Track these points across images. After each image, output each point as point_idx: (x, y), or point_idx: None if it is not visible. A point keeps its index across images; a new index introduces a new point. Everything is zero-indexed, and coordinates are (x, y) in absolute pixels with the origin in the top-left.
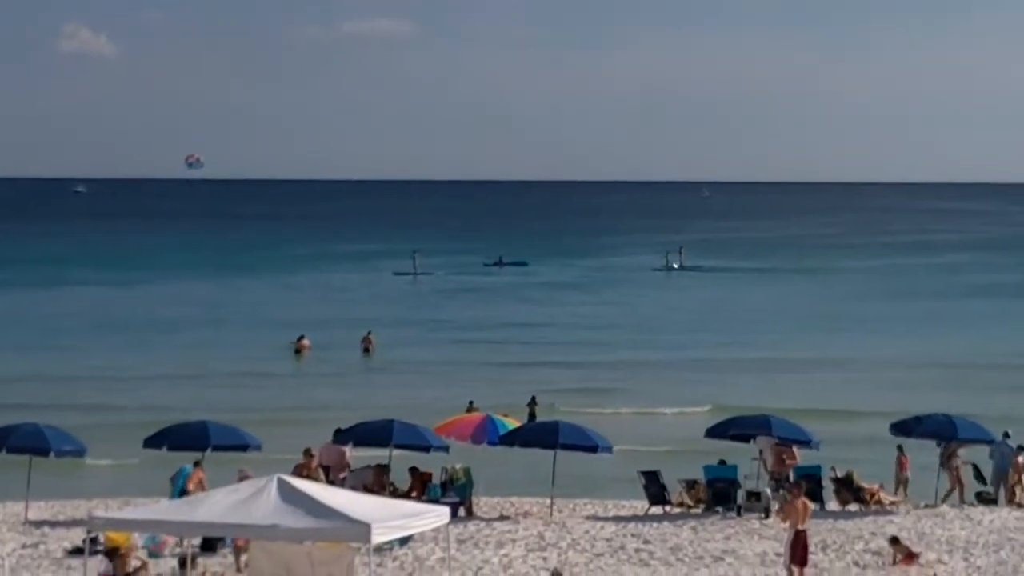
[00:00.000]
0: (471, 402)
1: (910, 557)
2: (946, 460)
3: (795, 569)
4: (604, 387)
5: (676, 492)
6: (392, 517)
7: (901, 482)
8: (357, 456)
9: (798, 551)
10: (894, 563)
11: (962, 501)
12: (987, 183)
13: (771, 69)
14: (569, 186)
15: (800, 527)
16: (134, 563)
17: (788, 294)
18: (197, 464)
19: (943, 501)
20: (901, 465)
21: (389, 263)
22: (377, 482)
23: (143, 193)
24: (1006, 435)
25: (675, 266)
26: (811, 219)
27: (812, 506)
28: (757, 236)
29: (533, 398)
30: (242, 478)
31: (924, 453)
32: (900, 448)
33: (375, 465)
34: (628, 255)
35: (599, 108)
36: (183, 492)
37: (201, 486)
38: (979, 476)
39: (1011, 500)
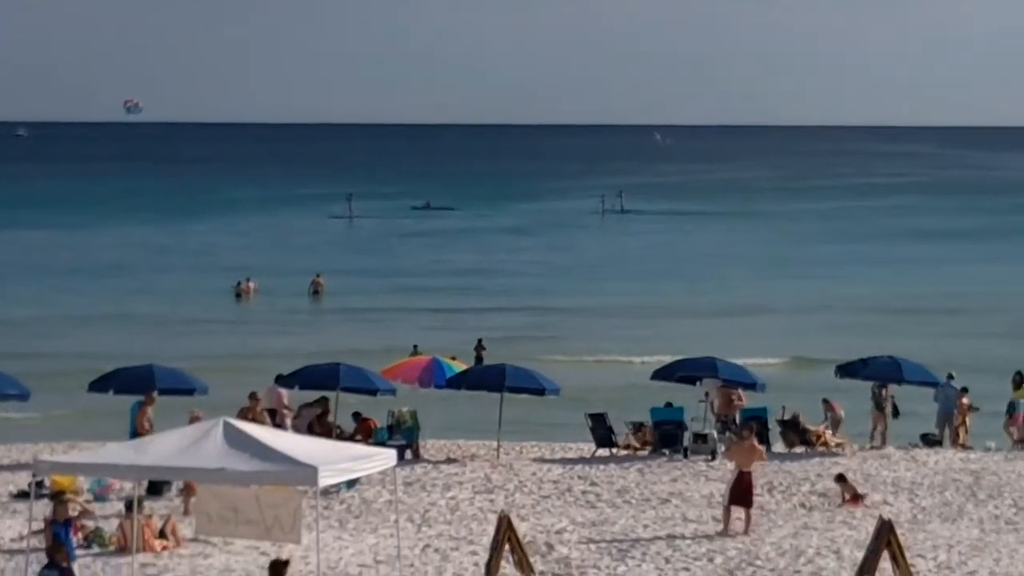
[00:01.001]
0: (415, 346)
1: (856, 498)
2: (879, 401)
3: (734, 509)
4: (550, 334)
5: (623, 434)
6: (339, 460)
7: (835, 423)
8: (300, 399)
9: (739, 492)
10: (841, 503)
11: (871, 440)
12: (925, 127)
13: (725, 13)
14: (518, 130)
15: (745, 469)
16: (75, 509)
17: (735, 238)
18: (147, 397)
19: (881, 439)
20: (831, 407)
21: (324, 206)
22: (322, 425)
23: (85, 137)
24: (950, 377)
25: (617, 209)
26: (759, 162)
27: (760, 447)
28: (704, 179)
29: (480, 341)
30: (193, 419)
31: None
32: (826, 400)
33: (317, 399)
34: (572, 199)
35: (552, 51)
36: (135, 431)
37: (147, 419)
38: (895, 412)
39: (955, 442)
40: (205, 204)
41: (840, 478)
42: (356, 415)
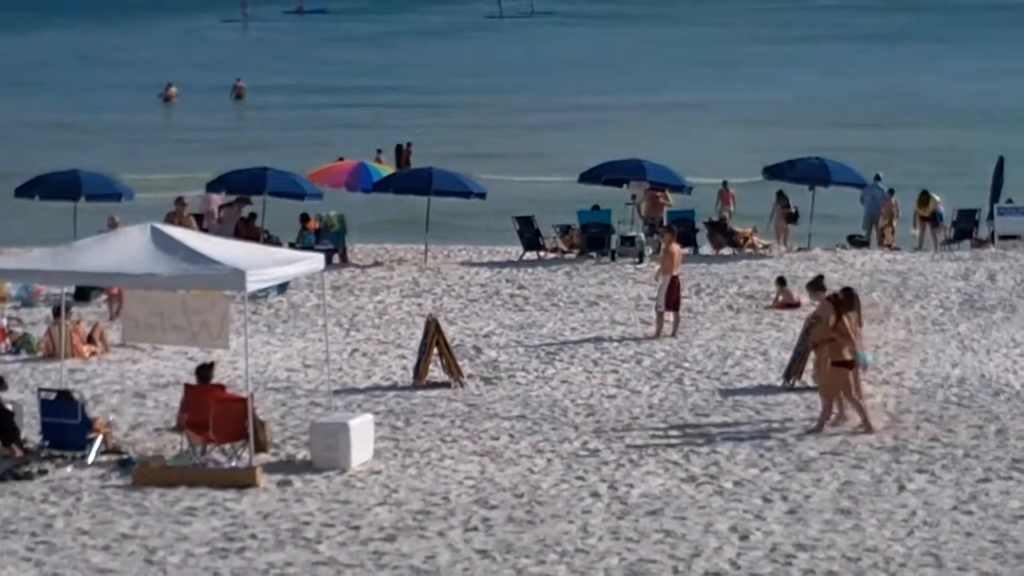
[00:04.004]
0: (341, 158)
1: (788, 305)
2: (777, 207)
3: (669, 314)
4: (478, 150)
5: (550, 238)
6: (267, 265)
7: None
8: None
9: (673, 295)
10: (772, 305)
11: (779, 242)
12: None
13: None
14: None
15: (674, 273)
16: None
17: (658, 41)
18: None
19: (786, 243)
20: (724, 200)
21: (215, 11)
22: (250, 230)
23: None
24: (877, 178)
25: (527, 12)
26: None
27: (674, 249)
28: None
29: (404, 146)
30: (112, 226)
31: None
32: (724, 184)
33: (237, 198)
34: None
35: None
36: None
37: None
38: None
39: (882, 243)
40: (107, 6)
41: (780, 281)
42: (304, 216)
